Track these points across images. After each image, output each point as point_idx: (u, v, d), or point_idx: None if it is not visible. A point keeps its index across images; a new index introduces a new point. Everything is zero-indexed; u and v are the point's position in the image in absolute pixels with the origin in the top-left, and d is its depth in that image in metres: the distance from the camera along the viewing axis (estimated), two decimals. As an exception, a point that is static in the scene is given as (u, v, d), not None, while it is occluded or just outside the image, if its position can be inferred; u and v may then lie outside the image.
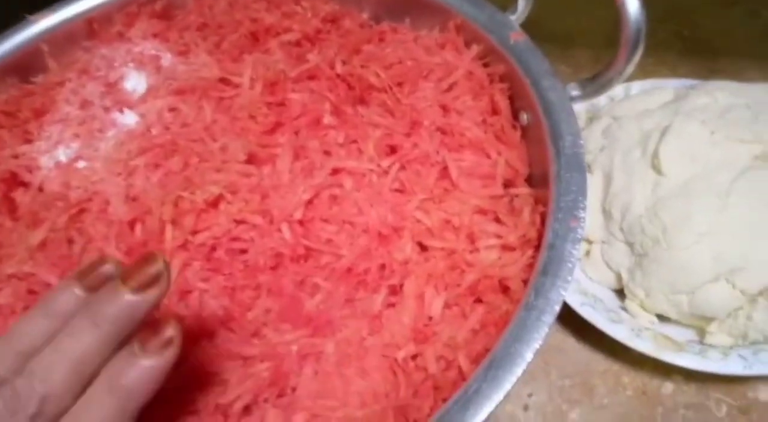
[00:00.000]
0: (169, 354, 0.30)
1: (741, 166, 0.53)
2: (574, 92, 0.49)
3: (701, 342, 0.54)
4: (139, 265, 0.31)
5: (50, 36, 0.58)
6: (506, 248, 0.44)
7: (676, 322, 0.56)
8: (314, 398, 0.38)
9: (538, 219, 0.44)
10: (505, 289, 0.42)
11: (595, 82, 0.48)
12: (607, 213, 0.58)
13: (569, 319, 0.57)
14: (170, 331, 0.30)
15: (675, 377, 0.57)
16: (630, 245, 0.56)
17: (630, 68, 0.45)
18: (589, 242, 0.60)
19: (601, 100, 0.69)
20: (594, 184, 0.60)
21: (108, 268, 0.33)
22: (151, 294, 0.30)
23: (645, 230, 0.54)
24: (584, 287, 0.59)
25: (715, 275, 0.51)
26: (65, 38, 0.59)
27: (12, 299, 0.43)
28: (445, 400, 0.38)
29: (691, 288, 0.52)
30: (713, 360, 0.52)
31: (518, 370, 0.35)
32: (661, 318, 0.56)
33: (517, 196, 0.48)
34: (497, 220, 0.46)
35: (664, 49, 0.85)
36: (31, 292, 0.43)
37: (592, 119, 0.67)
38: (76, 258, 0.44)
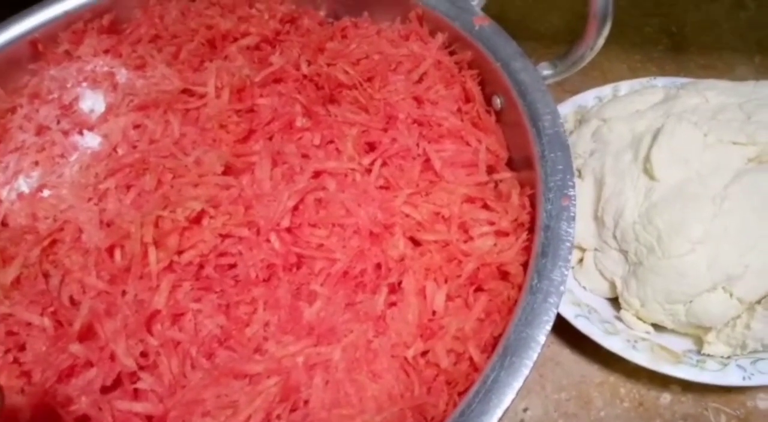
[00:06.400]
0: None
1: (735, 169, 0.51)
2: (546, 71, 0.50)
3: (699, 352, 0.53)
4: None
5: (-9, 62, 0.54)
6: (500, 233, 0.44)
7: (673, 331, 0.55)
8: (329, 408, 0.37)
9: (527, 202, 0.44)
10: (504, 275, 0.42)
11: (566, 60, 0.48)
12: (599, 220, 0.56)
13: (563, 330, 0.55)
14: None
15: (673, 387, 0.56)
16: (624, 253, 0.54)
17: (600, 42, 0.46)
18: (582, 249, 0.58)
19: (589, 101, 0.68)
20: (585, 190, 0.58)
21: None
22: None
23: (639, 238, 0.52)
24: (578, 298, 0.57)
25: (712, 283, 0.50)
26: (8, 62, 0.55)
27: (-10, 344, 0.40)
28: (460, 394, 0.38)
29: (687, 297, 0.51)
30: (711, 370, 0.51)
31: (534, 354, 0.35)
32: (657, 327, 0.55)
33: (501, 181, 0.47)
34: (486, 207, 0.45)
35: (651, 45, 0.83)
36: (11, 333, 0.41)
37: (580, 121, 0.65)
38: (55, 293, 0.42)
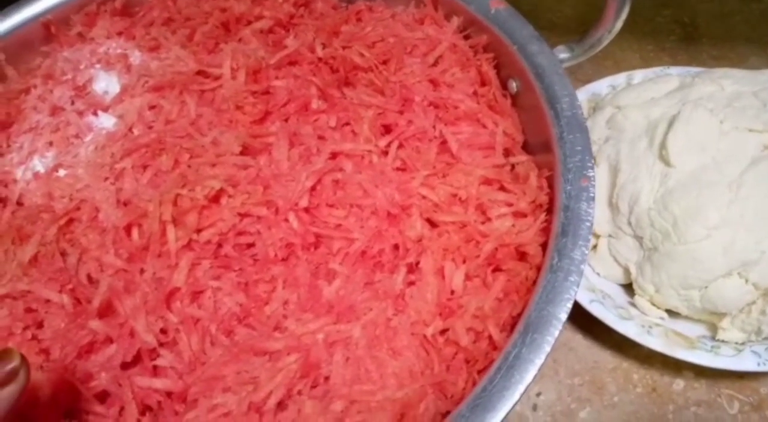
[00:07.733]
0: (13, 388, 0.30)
1: (751, 156, 0.51)
2: (563, 55, 0.50)
3: (713, 338, 0.53)
4: None
5: (4, 43, 0.54)
6: (518, 214, 0.44)
7: (687, 318, 0.55)
8: (350, 384, 0.37)
9: (545, 183, 0.44)
10: (522, 255, 0.42)
11: (583, 43, 0.48)
12: (614, 206, 0.56)
13: (577, 315, 0.54)
14: (15, 362, 0.30)
15: (686, 373, 0.56)
16: (638, 239, 0.54)
17: (619, 24, 0.46)
18: (596, 236, 0.58)
19: (603, 89, 0.68)
20: (599, 176, 0.58)
21: None
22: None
23: (654, 224, 0.52)
24: (592, 284, 0.57)
25: (728, 269, 0.50)
26: (21, 44, 0.55)
27: (9, 321, 0.40)
28: (479, 372, 0.38)
29: (703, 283, 0.51)
30: (726, 356, 0.51)
31: (555, 332, 0.36)
32: (671, 313, 0.55)
33: (518, 164, 0.47)
34: (503, 189, 0.45)
35: (664, 35, 0.82)
36: (29, 310, 0.41)
37: (595, 108, 0.65)
38: (73, 271, 0.42)
